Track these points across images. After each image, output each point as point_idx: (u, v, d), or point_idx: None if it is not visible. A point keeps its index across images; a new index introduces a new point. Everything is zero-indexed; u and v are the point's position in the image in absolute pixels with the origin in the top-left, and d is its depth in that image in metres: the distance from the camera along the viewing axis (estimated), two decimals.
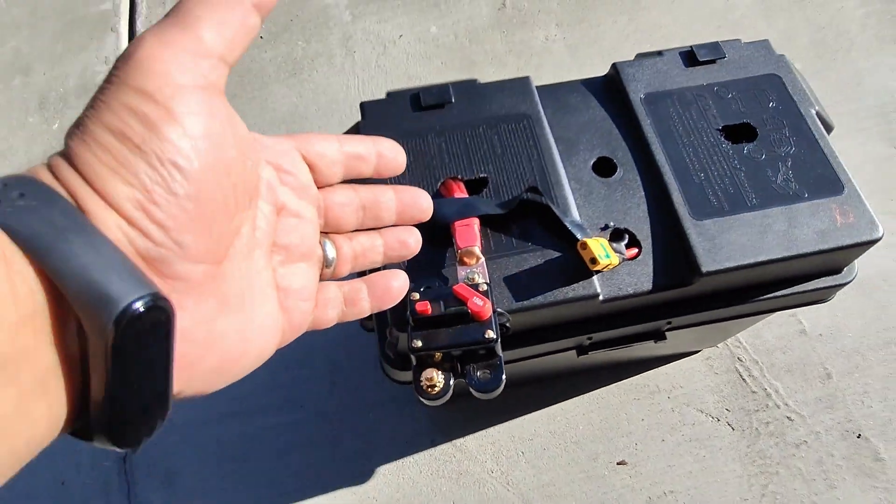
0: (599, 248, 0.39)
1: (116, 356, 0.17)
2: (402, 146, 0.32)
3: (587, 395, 0.71)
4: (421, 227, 0.33)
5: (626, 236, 0.43)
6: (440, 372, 0.35)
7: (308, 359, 0.74)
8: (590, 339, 0.46)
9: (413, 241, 0.32)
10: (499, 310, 0.37)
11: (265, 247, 0.25)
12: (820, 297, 0.48)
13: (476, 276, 0.37)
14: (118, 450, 0.19)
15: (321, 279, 0.29)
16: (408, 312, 0.35)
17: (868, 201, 0.43)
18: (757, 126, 0.46)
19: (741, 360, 0.72)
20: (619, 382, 0.72)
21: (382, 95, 0.48)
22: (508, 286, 0.40)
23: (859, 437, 0.68)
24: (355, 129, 0.47)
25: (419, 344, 0.34)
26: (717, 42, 0.50)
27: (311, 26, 1.01)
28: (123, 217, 0.19)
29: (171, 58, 0.20)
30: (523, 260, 0.41)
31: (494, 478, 0.67)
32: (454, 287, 0.35)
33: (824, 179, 0.43)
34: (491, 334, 0.34)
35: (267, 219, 0.25)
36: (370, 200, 0.30)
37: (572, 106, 0.48)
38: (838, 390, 0.70)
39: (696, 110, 0.46)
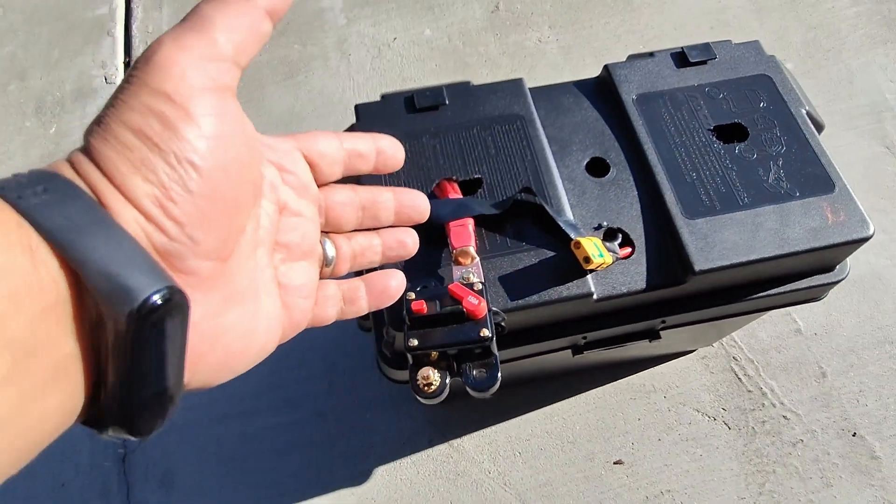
0: (593, 247, 0.39)
1: (134, 346, 0.18)
2: None
3: (583, 395, 0.71)
4: (416, 227, 0.33)
5: (620, 236, 0.43)
6: (436, 371, 0.35)
7: (306, 359, 0.74)
8: (584, 338, 0.47)
9: (411, 242, 0.32)
10: (494, 309, 0.38)
11: (268, 245, 0.26)
12: (813, 295, 0.48)
13: (471, 275, 0.37)
14: (131, 438, 0.20)
15: (320, 278, 0.29)
16: (404, 312, 0.35)
17: (859, 200, 0.43)
18: (748, 126, 0.46)
19: (736, 360, 0.73)
20: (615, 382, 0.72)
21: (377, 97, 0.48)
22: (503, 286, 0.40)
23: (854, 435, 0.68)
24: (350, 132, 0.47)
25: (415, 343, 0.34)
26: (707, 43, 0.50)
27: (307, 29, 1.02)
28: (141, 212, 0.19)
29: (188, 61, 0.20)
30: (518, 259, 0.41)
31: (492, 478, 0.67)
32: (449, 286, 0.35)
33: (815, 178, 0.44)
34: (486, 333, 0.34)
35: (270, 217, 0.26)
36: (369, 201, 0.30)
37: (565, 107, 0.49)
38: (833, 389, 0.71)
39: (687, 110, 0.47)
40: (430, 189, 0.43)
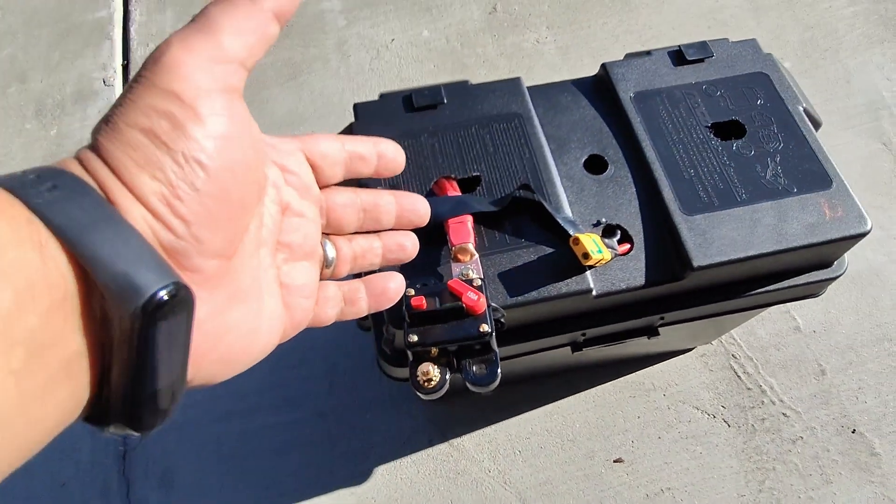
0: (591, 243, 0.39)
1: (140, 341, 0.18)
2: None
3: (583, 393, 0.71)
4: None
5: (618, 232, 0.44)
6: (436, 367, 0.35)
7: (307, 359, 0.74)
8: (584, 335, 0.47)
9: (410, 245, 0.32)
10: (493, 305, 0.38)
11: (270, 244, 0.26)
12: (811, 291, 0.48)
13: (470, 272, 0.37)
14: (133, 434, 0.20)
15: (321, 279, 0.29)
16: (403, 308, 0.35)
17: (857, 197, 0.44)
18: (745, 123, 0.46)
19: (736, 358, 0.73)
20: (614, 380, 0.72)
21: (376, 97, 0.48)
22: (503, 282, 0.41)
23: (854, 432, 0.68)
24: (348, 131, 0.47)
25: (415, 339, 0.34)
26: (704, 41, 0.50)
27: (308, 31, 1.02)
28: (149, 210, 0.20)
29: (196, 62, 0.21)
30: (517, 256, 0.41)
31: (492, 477, 0.67)
32: (449, 282, 0.36)
33: (813, 174, 0.44)
34: (486, 328, 0.34)
35: (273, 217, 0.26)
36: (370, 203, 0.31)
37: (563, 105, 0.49)
38: (833, 386, 0.71)
39: (685, 108, 0.47)
40: (429, 187, 0.43)
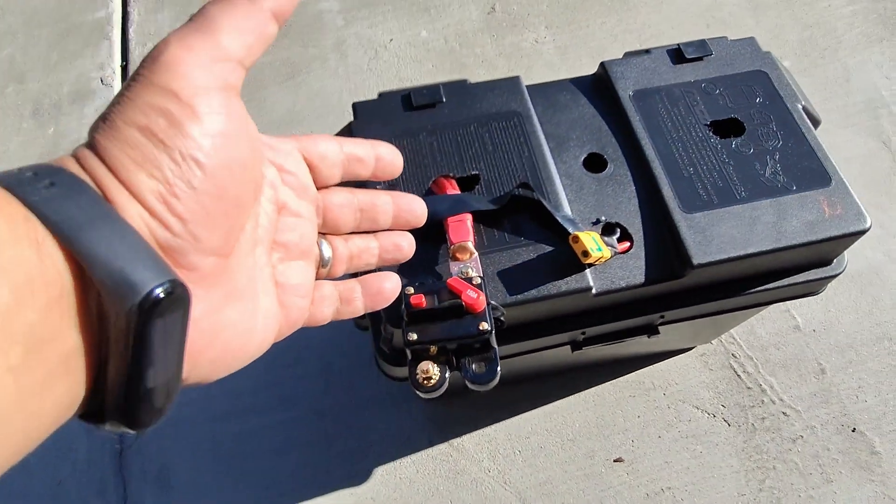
0: (591, 241, 0.39)
1: (137, 338, 0.18)
2: (394, 146, 0.32)
3: (583, 392, 0.71)
4: None
5: (618, 230, 0.44)
6: (436, 365, 0.35)
7: (302, 357, 0.74)
8: (583, 333, 0.47)
9: (407, 245, 0.32)
10: (493, 303, 0.38)
11: (266, 243, 0.26)
12: (811, 289, 0.48)
13: (469, 270, 0.37)
14: (129, 431, 0.20)
15: (317, 278, 0.29)
16: (402, 306, 0.35)
17: (856, 195, 0.43)
18: (744, 121, 0.46)
19: (735, 357, 0.73)
20: (614, 380, 0.72)
21: (374, 97, 0.48)
22: (502, 280, 0.40)
23: (854, 431, 0.68)
24: (347, 130, 0.47)
25: (414, 337, 0.34)
26: (703, 40, 0.50)
27: (307, 31, 1.02)
28: (146, 208, 0.20)
29: (194, 61, 0.21)
30: (516, 254, 0.41)
31: (491, 476, 0.67)
32: (448, 280, 0.35)
33: (812, 172, 0.44)
34: (485, 326, 0.34)
35: (269, 217, 0.26)
36: (367, 203, 0.31)
37: (562, 104, 0.49)
38: (833, 385, 0.71)
39: (684, 106, 0.47)
40: (428, 186, 0.43)
